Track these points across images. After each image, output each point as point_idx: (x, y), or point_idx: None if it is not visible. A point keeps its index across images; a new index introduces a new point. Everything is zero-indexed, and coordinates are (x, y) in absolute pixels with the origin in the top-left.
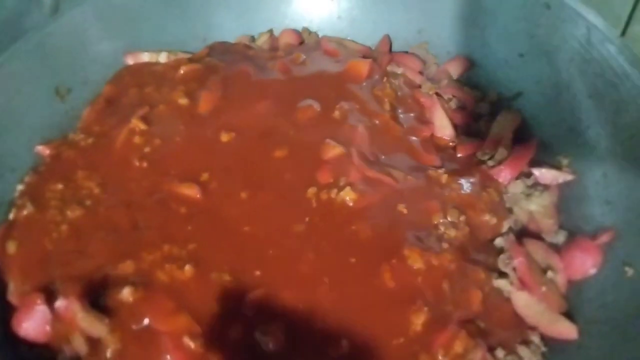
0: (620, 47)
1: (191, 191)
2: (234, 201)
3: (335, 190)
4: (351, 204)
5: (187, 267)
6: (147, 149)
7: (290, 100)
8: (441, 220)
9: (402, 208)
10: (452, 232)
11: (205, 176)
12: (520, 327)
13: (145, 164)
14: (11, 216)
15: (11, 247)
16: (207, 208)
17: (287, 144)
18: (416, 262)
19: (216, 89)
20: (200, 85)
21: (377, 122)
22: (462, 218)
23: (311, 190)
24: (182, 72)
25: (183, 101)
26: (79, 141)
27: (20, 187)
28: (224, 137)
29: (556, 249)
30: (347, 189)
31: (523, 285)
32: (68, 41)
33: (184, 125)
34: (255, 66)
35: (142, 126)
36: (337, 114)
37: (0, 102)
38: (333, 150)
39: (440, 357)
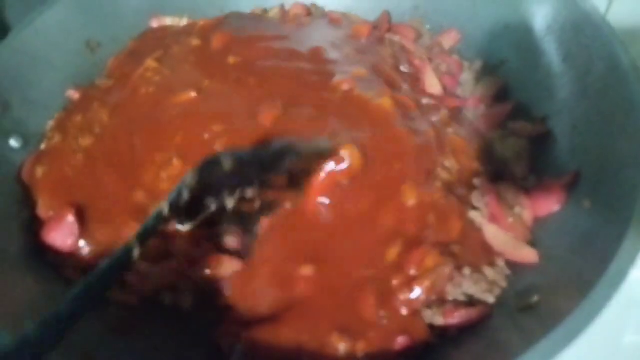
0: (591, 9)
1: (187, 96)
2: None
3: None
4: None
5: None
6: (156, 78)
7: (298, 47)
8: (441, 161)
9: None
10: (445, 174)
11: (206, 83)
12: (488, 253)
13: (151, 89)
14: (42, 146)
15: (39, 172)
16: (198, 104)
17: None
18: (411, 199)
19: (228, 30)
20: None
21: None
22: (454, 161)
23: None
24: (200, 24)
25: (196, 42)
26: (102, 84)
27: (51, 122)
28: (231, 60)
29: (525, 190)
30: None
31: (493, 218)
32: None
33: (194, 57)
34: (267, 29)
35: (154, 64)
36: (347, 50)
37: (37, 49)
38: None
39: (411, 272)
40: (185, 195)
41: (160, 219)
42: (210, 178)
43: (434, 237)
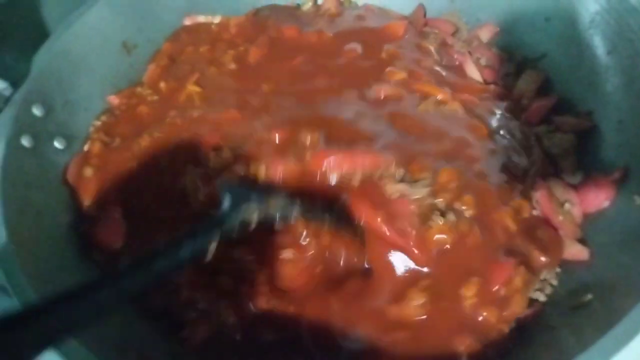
0: (637, 3)
1: (228, 114)
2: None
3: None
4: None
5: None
6: (200, 103)
7: (333, 49)
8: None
9: None
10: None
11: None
12: None
13: (196, 113)
14: (86, 147)
15: (87, 172)
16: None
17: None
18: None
19: (263, 44)
20: (250, 42)
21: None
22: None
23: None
24: (232, 31)
25: (232, 66)
26: (146, 96)
27: (97, 122)
28: (265, 87)
29: (574, 187)
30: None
31: (543, 214)
32: (132, 2)
33: (232, 79)
34: (300, 23)
35: (197, 89)
36: (384, 55)
37: (77, 51)
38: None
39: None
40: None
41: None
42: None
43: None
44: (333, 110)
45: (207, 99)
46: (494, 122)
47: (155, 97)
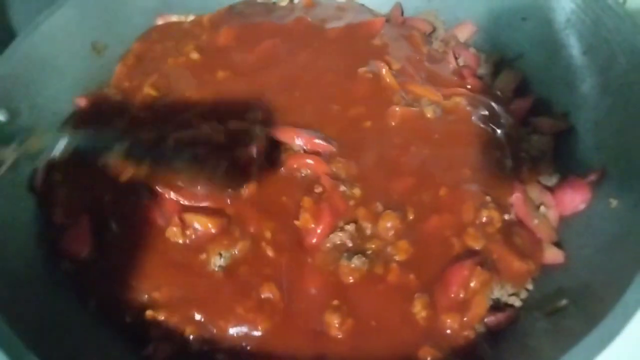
0: (612, 2)
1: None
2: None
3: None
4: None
5: None
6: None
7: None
8: None
9: None
10: None
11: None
12: None
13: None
14: (54, 154)
15: (55, 179)
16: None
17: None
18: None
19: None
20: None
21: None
22: None
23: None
24: (205, 26)
25: (194, 56)
26: (111, 96)
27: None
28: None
29: (549, 189)
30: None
31: (518, 218)
32: (102, 2)
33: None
34: (275, 16)
35: (153, 93)
36: (377, 41)
37: (44, 53)
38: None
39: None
40: None
41: None
42: None
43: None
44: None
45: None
46: (489, 121)
47: (119, 97)
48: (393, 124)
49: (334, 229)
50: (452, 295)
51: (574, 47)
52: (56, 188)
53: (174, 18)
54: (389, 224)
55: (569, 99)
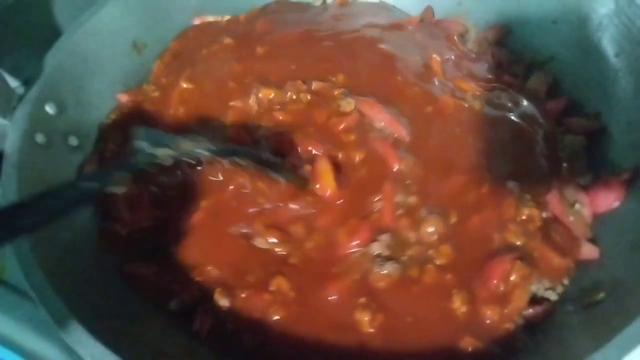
0: None
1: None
2: None
3: None
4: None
5: None
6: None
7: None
8: None
9: None
10: None
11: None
12: None
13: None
14: (100, 146)
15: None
16: None
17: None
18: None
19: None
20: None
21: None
22: None
23: None
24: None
25: (228, 41)
26: (150, 92)
27: (106, 121)
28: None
29: (583, 187)
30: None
31: (554, 215)
32: (143, 1)
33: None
34: (309, 15)
35: (189, 85)
36: (417, 36)
37: (88, 50)
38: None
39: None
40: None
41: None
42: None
43: None
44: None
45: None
46: (528, 119)
47: (157, 94)
48: (447, 114)
49: (368, 243)
50: (493, 288)
51: (606, 50)
52: None
53: (211, 18)
54: (431, 229)
55: (601, 100)
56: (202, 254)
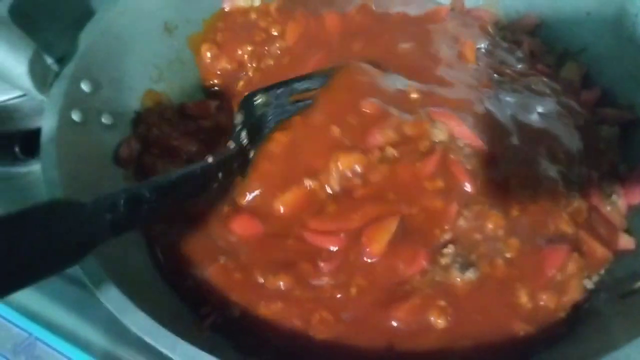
0: None
1: None
2: None
3: None
4: None
5: None
6: None
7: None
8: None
9: None
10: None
11: None
12: None
13: None
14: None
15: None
16: None
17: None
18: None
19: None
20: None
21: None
22: None
23: None
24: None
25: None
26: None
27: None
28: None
29: (619, 178)
30: None
31: (592, 205)
32: None
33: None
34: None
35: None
36: (448, 25)
37: (121, 30)
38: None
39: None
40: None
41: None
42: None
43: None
44: None
45: None
46: (566, 107)
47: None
48: (489, 105)
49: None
50: (550, 275)
51: None
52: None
53: (241, 2)
54: (492, 225)
55: (635, 92)
56: None
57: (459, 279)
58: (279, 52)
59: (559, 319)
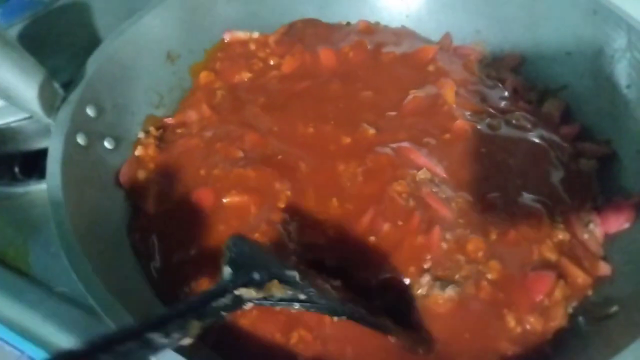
0: None
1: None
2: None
3: None
4: None
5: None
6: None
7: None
8: None
9: None
10: None
11: None
12: None
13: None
14: (137, 152)
15: (141, 175)
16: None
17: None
18: None
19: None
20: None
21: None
22: None
23: None
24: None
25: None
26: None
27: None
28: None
29: (595, 208)
30: None
31: (571, 233)
32: (179, 15)
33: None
34: (334, 39)
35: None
36: (431, 67)
37: (126, 58)
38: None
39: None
40: None
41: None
42: None
43: None
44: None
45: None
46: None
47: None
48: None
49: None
50: (537, 301)
51: (618, 82)
52: (144, 182)
53: (241, 34)
54: (472, 247)
55: (612, 129)
56: None
57: (437, 294)
58: (274, 80)
59: (545, 340)
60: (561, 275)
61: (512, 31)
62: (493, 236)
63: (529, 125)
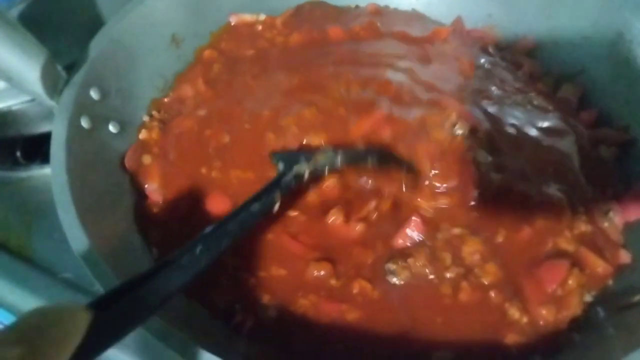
0: None
1: None
2: None
3: None
4: None
5: None
6: None
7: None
8: None
9: None
10: None
11: None
12: None
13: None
14: (141, 136)
15: (146, 160)
16: None
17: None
18: None
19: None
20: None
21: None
22: None
23: None
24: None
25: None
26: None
27: (154, 113)
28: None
29: (616, 196)
30: None
31: (591, 221)
32: None
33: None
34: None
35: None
36: (447, 46)
37: (130, 41)
38: None
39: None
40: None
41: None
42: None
43: None
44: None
45: None
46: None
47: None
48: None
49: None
50: (549, 292)
51: (636, 66)
52: (150, 167)
53: (247, 17)
54: (472, 249)
55: (630, 114)
56: None
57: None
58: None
59: (559, 330)
60: (576, 263)
61: (525, 14)
62: (500, 238)
63: (550, 107)
